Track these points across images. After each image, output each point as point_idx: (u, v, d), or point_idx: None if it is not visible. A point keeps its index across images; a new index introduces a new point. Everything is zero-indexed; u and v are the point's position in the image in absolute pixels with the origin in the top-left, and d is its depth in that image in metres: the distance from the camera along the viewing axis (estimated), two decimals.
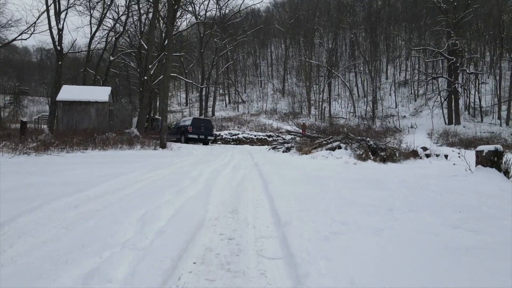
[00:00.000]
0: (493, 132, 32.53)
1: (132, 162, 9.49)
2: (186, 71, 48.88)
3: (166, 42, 17.92)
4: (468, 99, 38.36)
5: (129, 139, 14.83)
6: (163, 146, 15.06)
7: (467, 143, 28.61)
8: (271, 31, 58.66)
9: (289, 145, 15.43)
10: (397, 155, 13.48)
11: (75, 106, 17.38)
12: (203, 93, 43.26)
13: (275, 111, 43.80)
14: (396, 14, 48.50)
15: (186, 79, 22.69)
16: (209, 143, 23.67)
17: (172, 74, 20.80)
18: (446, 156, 14.91)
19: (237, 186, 5.83)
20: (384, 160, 13.18)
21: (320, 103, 41.72)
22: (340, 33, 49.07)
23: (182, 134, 22.41)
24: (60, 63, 20.85)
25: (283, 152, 15.24)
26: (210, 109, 43.40)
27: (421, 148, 16.15)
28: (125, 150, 13.76)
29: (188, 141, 22.16)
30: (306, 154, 14.43)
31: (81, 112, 17.45)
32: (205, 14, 38.75)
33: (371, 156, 13.18)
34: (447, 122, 35.73)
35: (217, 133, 27.36)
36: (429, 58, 38.22)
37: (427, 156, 14.82)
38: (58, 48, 20.68)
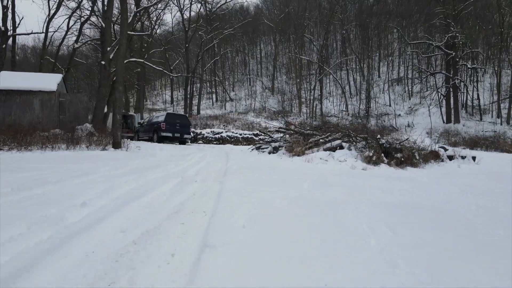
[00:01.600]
0: (495, 131, 29.37)
1: (33, 169, 5.84)
2: (171, 68, 45.00)
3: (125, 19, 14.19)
4: (465, 97, 35.21)
5: (71, 137, 11.06)
6: (116, 145, 11.32)
7: (472, 143, 25.36)
8: (260, 29, 55.09)
9: (277, 144, 11.81)
10: (417, 157, 9.98)
11: (14, 97, 13.52)
12: (188, 90, 39.50)
13: (264, 109, 40.20)
14: (388, 9, 45.31)
15: (154, 66, 18.88)
16: (187, 143, 19.93)
17: (138, 60, 16.85)
18: (473, 158, 11.44)
19: (116, 259, 2.11)
20: (400, 163, 9.67)
21: (311, 101, 38.25)
22: (331, 29, 45.61)
23: (154, 132, 18.64)
24: (4, 46, 16.93)
25: (270, 153, 11.62)
26: (196, 108, 39.63)
27: (440, 147, 12.71)
28: (60, 150, 10.00)
29: (161, 140, 18.40)
30: (298, 155, 10.85)
31: (21, 104, 13.57)
32: (190, 5, 34.95)
33: (384, 158, 9.64)
34: (445, 121, 32.52)
35: (198, 131, 23.63)
36: (426, 54, 34.99)
37: (450, 158, 11.35)
38: (2, 28, 16.73)
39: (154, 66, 17.47)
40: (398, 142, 10.31)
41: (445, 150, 12.26)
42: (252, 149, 12.49)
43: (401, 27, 35.49)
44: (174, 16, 48.87)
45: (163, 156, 10.52)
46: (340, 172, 7.71)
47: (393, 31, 46.80)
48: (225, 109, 41.85)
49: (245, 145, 22.98)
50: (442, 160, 11.10)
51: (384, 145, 9.96)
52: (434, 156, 11.03)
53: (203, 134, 23.26)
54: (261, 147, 12.43)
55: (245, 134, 23.80)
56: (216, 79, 47.04)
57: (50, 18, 20.07)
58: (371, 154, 9.77)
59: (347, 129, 11.74)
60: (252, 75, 50.60)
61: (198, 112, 38.46)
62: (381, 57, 46.40)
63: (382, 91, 41.83)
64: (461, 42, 31.04)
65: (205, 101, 46.82)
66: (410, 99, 40.47)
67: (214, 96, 46.92)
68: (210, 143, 23.07)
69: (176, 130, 18.42)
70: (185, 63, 40.17)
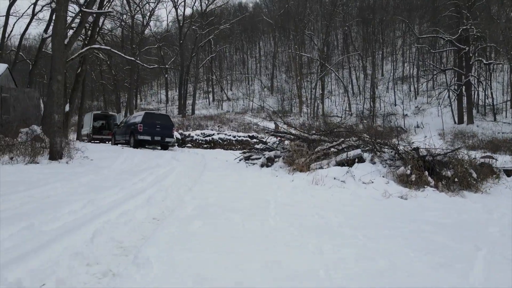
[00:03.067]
0: None
1: None
2: (167, 66, 41.70)
3: None
4: (477, 96, 31.75)
5: None
6: (54, 155, 8.01)
7: (493, 147, 21.88)
8: (259, 26, 51.76)
9: (272, 153, 8.48)
10: (474, 175, 6.61)
11: None
12: (182, 89, 36.23)
13: (263, 109, 36.85)
14: (391, 4, 41.90)
15: (123, 55, 15.32)
16: (170, 147, 16.59)
17: (102, 46, 13.23)
18: None
19: None
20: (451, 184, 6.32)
21: (312, 101, 34.89)
22: (333, 26, 42.09)
23: (131, 135, 15.30)
24: None
25: (262, 165, 8.29)
26: (191, 107, 36.27)
27: (484, 157, 9.36)
28: None
29: (138, 144, 15.08)
30: (301, 171, 7.53)
31: None
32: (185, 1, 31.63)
33: (428, 178, 6.30)
34: (457, 121, 29.12)
35: (187, 133, 20.28)
36: (435, 49, 31.52)
37: (508, 173, 7.98)
38: None
39: (123, 55, 14.06)
40: (444, 153, 6.94)
41: (495, 160, 8.92)
42: (240, 160, 9.14)
43: (409, 20, 31.96)
44: (169, 12, 45.48)
45: (113, 172, 7.21)
46: (374, 210, 4.37)
47: (397, 27, 43.36)
48: (221, 109, 38.53)
49: (239, 148, 19.69)
50: (498, 177, 7.75)
51: (427, 159, 6.60)
52: (489, 171, 7.67)
53: (192, 137, 19.93)
54: (252, 156, 9.09)
55: (239, 137, 20.48)
56: (213, 77, 43.72)
57: (11, 3, 16.66)
58: (408, 172, 6.42)
59: (370, 134, 8.36)
60: (250, 74, 47.24)
61: (193, 112, 35.14)
62: (384, 55, 42.93)
63: (387, 90, 38.44)
64: (475, 36, 27.61)
65: (202, 101, 43.51)
66: (416, 98, 37.08)
67: (211, 95, 43.59)
68: (199, 146, 19.75)
69: (156, 133, 15.09)
70: (180, 61, 36.84)
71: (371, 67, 39.22)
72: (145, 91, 49.13)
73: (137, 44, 35.29)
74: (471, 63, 28.07)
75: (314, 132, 8.76)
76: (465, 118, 28.57)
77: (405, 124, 29.47)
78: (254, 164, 8.53)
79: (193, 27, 34.56)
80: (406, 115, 32.60)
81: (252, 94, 40.36)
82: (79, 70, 13.03)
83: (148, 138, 14.90)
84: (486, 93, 30.82)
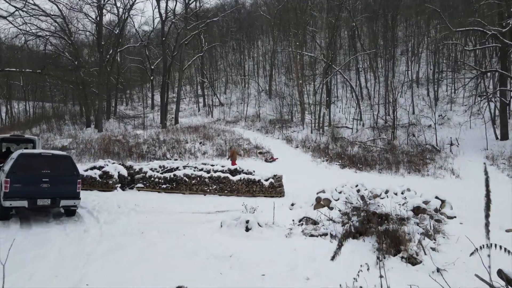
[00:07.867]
0: None
1: None
2: (152, 67, 33.95)
3: None
4: None
5: None
6: None
7: None
8: (257, 25, 43.75)
9: None
10: None
11: None
12: (165, 94, 28.44)
13: (258, 117, 28.99)
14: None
15: None
16: (78, 209, 8.72)
17: None
18: None
19: None
20: None
21: (318, 107, 26.93)
22: (338, 23, 33.84)
23: None
24: None
25: None
26: (181, 114, 28.44)
27: None
28: None
29: (5, 215, 7.24)
30: None
31: None
32: None
33: None
34: (499, 137, 21.22)
35: (137, 167, 12.55)
36: (470, 46, 23.52)
37: None
38: None
39: None
40: None
41: None
42: None
43: (441, 11, 23.71)
44: (155, 8, 37.69)
45: None
46: None
47: (412, 23, 35.28)
48: (211, 117, 30.68)
49: (214, 191, 12.09)
50: None
51: None
52: None
53: (145, 172, 12.16)
54: None
55: (215, 171, 12.65)
56: (204, 80, 35.83)
57: None
58: None
59: None
60: (246, 76, 39.25)
61: (176, 122, 27.33)
62: (395, 55, 34.74)
63: (401, 95, 30.44)
64: None
65: (191, 106, 35.69)
66: (436, 104, 29.06)
67: (201, 99, 35.70)
68: (156, 186, 12.03)
69: (42, 192, 7.38)
70: (163, 61, 29.02)
71: (384, 69, 31.23)
72: (131, 95, 41.24)
73: (112, 41, 27.58)
74: None
75: None
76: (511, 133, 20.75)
77: (437, 141, 21.52)
78: None
79: (174, 20, 26.69)
80: (430, 126, 24.60)
81: (247, 99, 32.41)
82: None
83: (24, 203, 7.17)
84: None
